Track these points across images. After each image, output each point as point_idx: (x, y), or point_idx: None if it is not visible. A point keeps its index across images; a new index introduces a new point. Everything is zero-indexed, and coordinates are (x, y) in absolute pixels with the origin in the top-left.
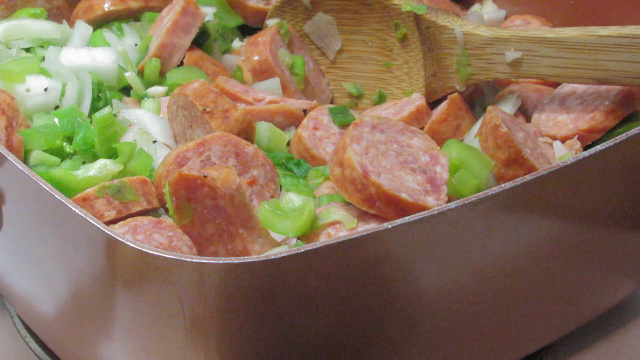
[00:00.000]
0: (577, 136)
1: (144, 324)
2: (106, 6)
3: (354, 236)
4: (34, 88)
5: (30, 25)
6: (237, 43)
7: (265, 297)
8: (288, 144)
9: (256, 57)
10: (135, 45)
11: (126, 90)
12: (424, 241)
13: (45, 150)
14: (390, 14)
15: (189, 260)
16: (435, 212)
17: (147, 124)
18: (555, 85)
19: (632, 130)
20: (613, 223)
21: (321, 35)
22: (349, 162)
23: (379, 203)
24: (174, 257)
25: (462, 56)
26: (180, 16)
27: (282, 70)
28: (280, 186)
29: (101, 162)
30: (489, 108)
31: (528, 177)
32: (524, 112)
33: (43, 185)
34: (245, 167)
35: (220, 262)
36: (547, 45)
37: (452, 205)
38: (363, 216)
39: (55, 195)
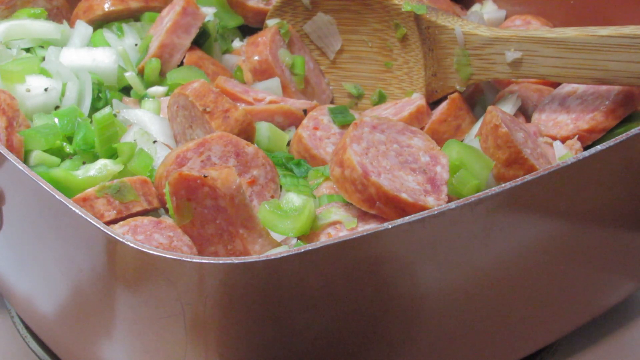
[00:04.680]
0: (577, 136)
1: (144, 324)
2: (106, 6)
3: (354, 236)
4: (34, 88)
5: (31, 26)
6: (237, 43)
7: (265, 297)
8: (288, 144)
9: (256, 57)
10: (136, 45)
11: (126, 90)
12: (424, 241)
13: (45, 151)
14: (391, 14)
15: (189, 260)
16: (436, 212)
17: (147, 124)
18: (556, 85)
19: (632, 130)
20: (613, 223)
21: (321, 35)
22: (349, 162)
23: (379, 203)
24: (174, 257)
25: (462, 56)
26: (180, 16)
27: (282, 70)
28: (281, 186)
29: (101, 162)
30: (489, 108)
31: (528, 177)
32: (524, 112)
33: (43, 186)
34: (245, 167)
35: (220, 262)
36: (547, 45)
37: (452, 205)
38: (363, 216)
39: (56, 196)
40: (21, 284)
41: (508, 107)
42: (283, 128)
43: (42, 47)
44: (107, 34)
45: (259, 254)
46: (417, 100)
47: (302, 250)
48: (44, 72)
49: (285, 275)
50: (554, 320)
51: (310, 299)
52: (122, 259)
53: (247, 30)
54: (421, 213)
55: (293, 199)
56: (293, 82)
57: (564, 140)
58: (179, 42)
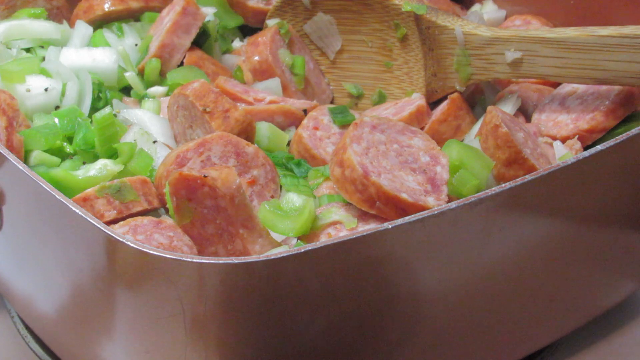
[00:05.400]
0: (577, 136)
1: (144, 324)
2: (106, 6)
3: (354, 236)
4: (35, 88)
5: (31, 26)
6: (237, 43)
7: (265, 297)
8: (288, 144)
9: (256, 57)
10: (136, 45)
11: (126, 90)
12: (424, 241)
13: (45, 151)
14: (391, 14)
15: (189, 260)
16: (436, 212)
17: (147, 124)
18: (556, 85)
19: (632, 130)
20: (613, 223)
21: (321, 35)
22: (349, 162)
23: (379, 203)
24: (174, 257)
25: (463, 56)
26: (180, 16)
27: (282, 70)
28: (281, 186)
29: (101, 162)
30: (489, 108)
31: (528, 177)
32: (524, 112)
33: (43, 186)
34: (245, 167)
35: (220, 262)
36: (547, 45)
37: (452, 205)
38: (363, 216)
39: (56, 196)
40: (21, 284)
41: (508, 107)
42: (283, 128)
43: (42, 47)
44: (107, 34)
45: (259, 254)
46: (417, 100)
47: (302, 250)
48: (44, 72)
49: (285, 275)
50: (554, 320)
51: (310, 299)
52: (122, 259)
53: (247, 30)
54: (421, 213)
55: (293, 199)
56: (293, 82)
57: (564, 140)
58: (179, 42)
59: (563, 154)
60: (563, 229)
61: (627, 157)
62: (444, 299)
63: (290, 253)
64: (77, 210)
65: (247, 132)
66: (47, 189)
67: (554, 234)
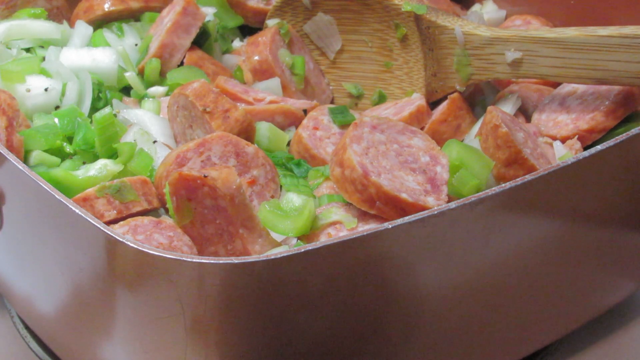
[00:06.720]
0: (577, 136)
1: (144, 324)
2: (106, 6)
3: (354, 236)
4: (35, 88)
5: (31, 26)
6: (237, 43)
7: (265, 297)
8: (288, 144)
9: (256, 57)
10: (136, 45)
11: (126, 90)
12: (424, 241)
13: (45, 151)
14: (391, 14)
15: (189, 260)
16: (436, 212)
17: (147, 124)
18: (556, 85)
19: (632, 130)
20: (613, 223)
21: (321, 35)
22: (349, 162)
23: (379, 203)
24: (174, 257)
25: (463, 56)
26: (180, 16)
27: (283, 70)
28: (281, 186)
29: (101, 162)
30: (489, 108)
31: (528, 177)
32: (524, 112)
33: (43, 186)
34: (245, 167)
35: (220, 262)
36: (547, 45)
37: (452, 205)
38: (363, 216)
39: (56, 195)
40: (21, 284)
41: (508, 107)
42: (283, 128)
43: (42, 47)
44: (107, 34)
45: (259, 254)
46: (417, 100)
47: (302, 250)
48: (44, 72)
49: (285, 275)
50: (553, 320)
51: (310, 299)
52: (122, 259)
53: (247, 30)
54: (421, 213)
55: (293, 199)
56: (293, 82)
57: (564, 140)
58: (179, 42)
59: (563, 154)
60: (563, 229)
61: (627, 157)
62: (443, 298)
63: (290, 253)
64: (77, 210)
65: (247, 132)
66: (47, 189)
67: (554, 234)
